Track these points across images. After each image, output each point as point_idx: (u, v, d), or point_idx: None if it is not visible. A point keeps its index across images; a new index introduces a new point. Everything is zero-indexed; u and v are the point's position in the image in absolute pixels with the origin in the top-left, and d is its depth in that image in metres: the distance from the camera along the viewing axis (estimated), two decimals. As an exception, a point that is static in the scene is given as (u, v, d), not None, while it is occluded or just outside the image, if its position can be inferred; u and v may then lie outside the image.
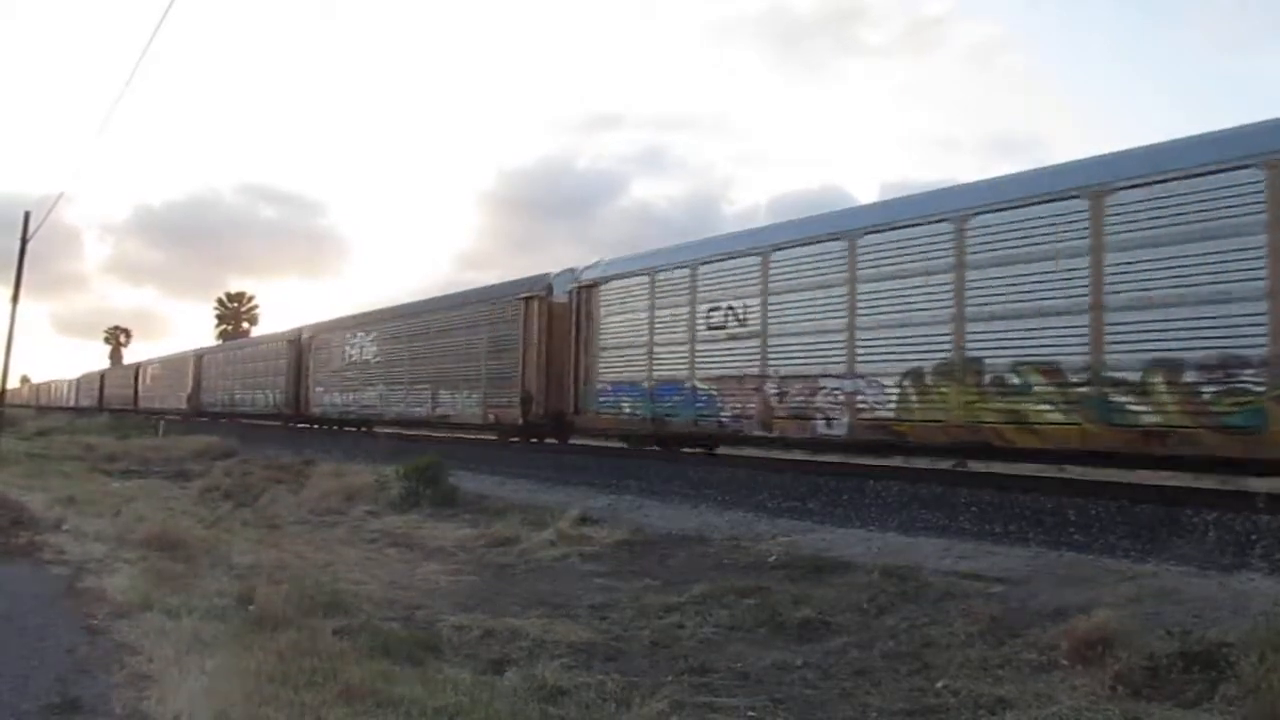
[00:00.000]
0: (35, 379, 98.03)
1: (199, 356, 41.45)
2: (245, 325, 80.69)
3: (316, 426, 29.35)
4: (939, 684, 4.81)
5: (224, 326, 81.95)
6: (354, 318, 27.29)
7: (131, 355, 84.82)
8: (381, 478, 13.64)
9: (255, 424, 32.94)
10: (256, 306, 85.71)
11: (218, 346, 41.08)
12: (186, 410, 40.86)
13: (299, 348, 29.74)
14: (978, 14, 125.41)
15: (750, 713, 4.56)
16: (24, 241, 24.00)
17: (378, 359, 24.31)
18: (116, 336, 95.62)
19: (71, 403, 69.79)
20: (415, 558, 9.22)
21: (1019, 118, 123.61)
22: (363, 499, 13.05)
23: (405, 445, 20.31)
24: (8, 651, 5.17)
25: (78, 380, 72.73)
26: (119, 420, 42.63)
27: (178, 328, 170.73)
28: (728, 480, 12.43)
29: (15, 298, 24.31)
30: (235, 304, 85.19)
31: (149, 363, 52.14)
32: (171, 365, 46.44)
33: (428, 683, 4.65)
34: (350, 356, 25.83)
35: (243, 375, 34.97)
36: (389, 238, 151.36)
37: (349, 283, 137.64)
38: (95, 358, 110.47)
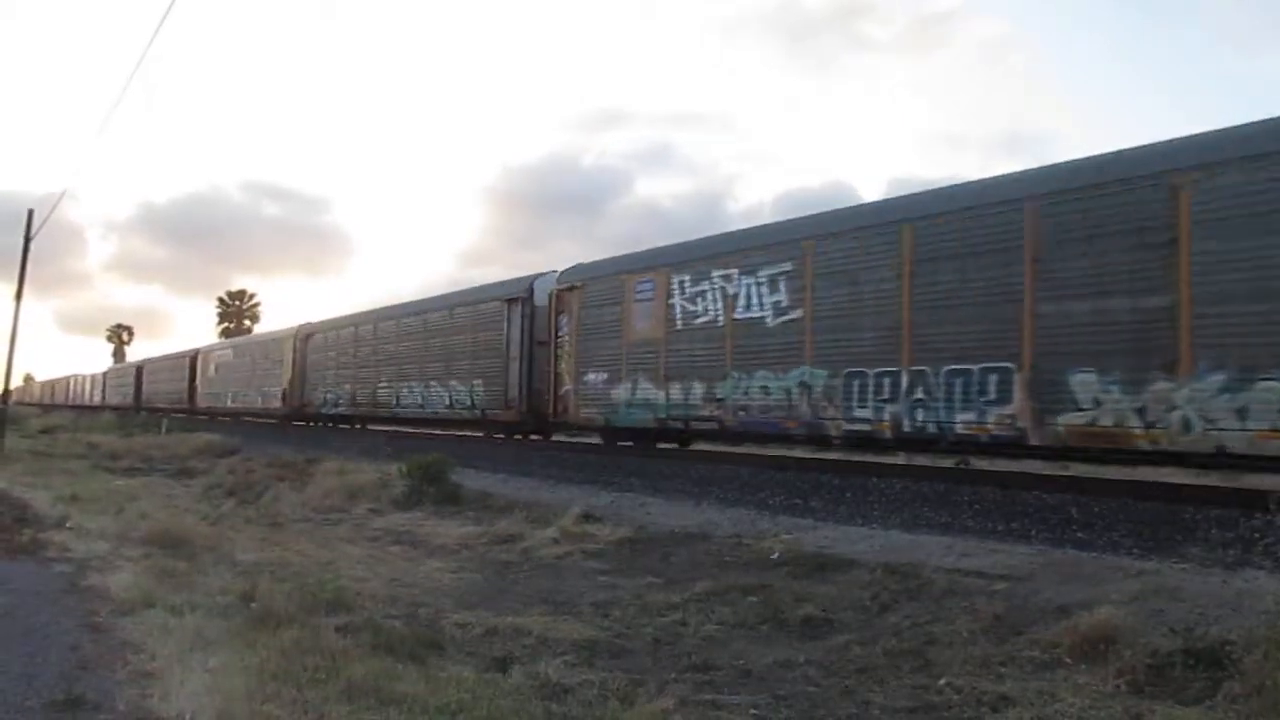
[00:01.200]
0: (39, 377, 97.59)
1: (304, 335, 29.10)
2: (247, 323, 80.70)
3: (570, 441, 18.34)
4: (941, 681, 4.81)
5: (225, 325, 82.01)
6: (706, 243, 14.93)
7: (134, 353, 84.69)
8: (385, 475, 13.66)
9: (442, 435, 21.10)
10: (258, 304, 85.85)
11: (341, 319, 27.49)
12: (283, 411, 29.94)
13: (530, 309, 18.24)
14: (985, 11, 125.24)
15: (753, 710, 4.56)
16: (27, 239, 24.01)
17: (795, 313, 12.38)
18: (119, 334, 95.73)
19: (96, 400, 59.90)
20: (418, 555, 9.22)
21: (1026, 115, 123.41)
22: (366, 497, 13.07)
23: (410, 444, 18.34)
24: (12, 649, 5.18)
25: (104, 374, 62.83)
26: (123, 419, 41.92)
27: (181, 326, 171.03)
28: (730, 478, 12.42)
29: (19, 295, 24.36)
30: (237, 302, 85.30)
31: (212, 349, 41.01)
32: (254, 350, 34.13)
33: (430, 680, 4.65)
34: (690, 315, 14.14)
35: (402, 359, 22.92)
36: (393, 234, 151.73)
37: (353, 280, 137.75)
38: (99, 356, 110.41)
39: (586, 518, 10.42)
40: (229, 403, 35.67)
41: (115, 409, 50.13)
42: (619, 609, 6.71)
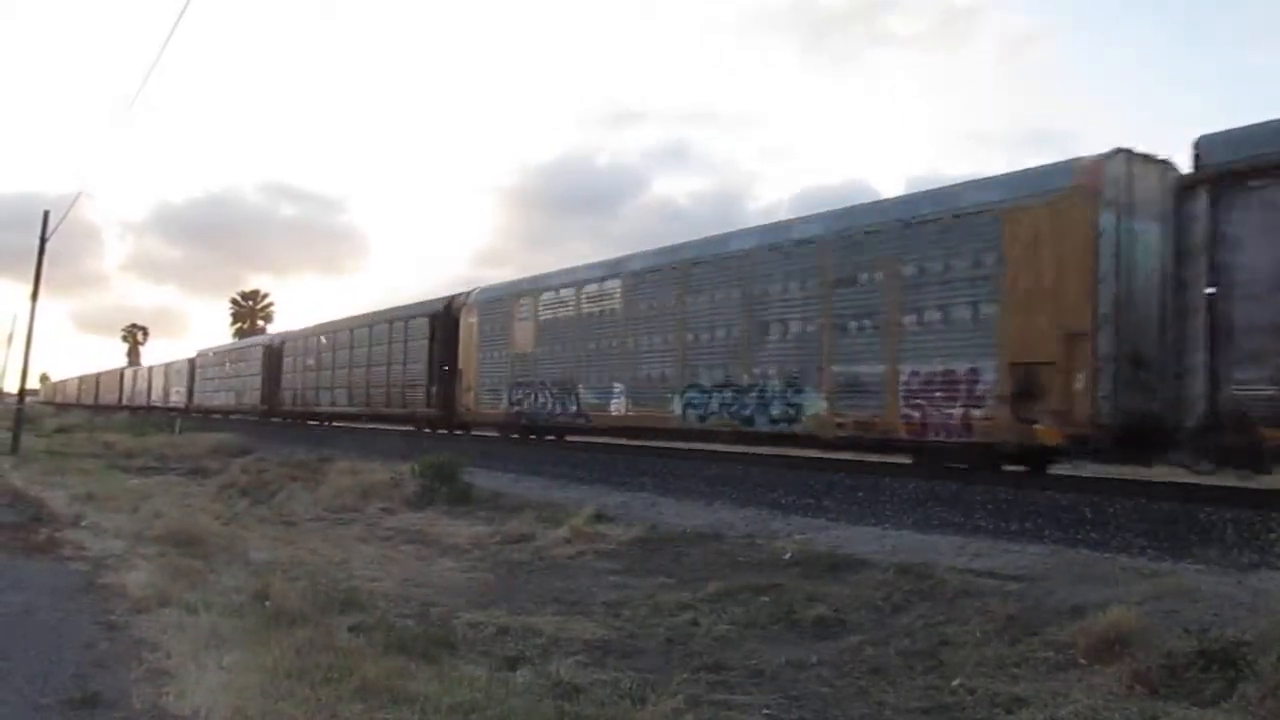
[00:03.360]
0: (54, 376, 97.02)
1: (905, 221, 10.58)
2: (260, 323, 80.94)
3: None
4: (955, 682, 4.80)
5: (239, 325, 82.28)
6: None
7: (149, 355, 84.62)
8: (397, 475, 13.70)
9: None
10: (271, 304, 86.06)
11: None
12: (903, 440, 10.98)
13: None
14: (1009, 5, 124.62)
15: (765, 710, 4.56)
16: (43, 240, 24.18)
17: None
18: (134, 334, 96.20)
19: (173, 400, 42.83)
20: (430, 555, 9.25)
21: (1050, 110, 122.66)
22: (378, 496, 13.12)
23: (419, 444, 19.25)
24: (28, 647, 5.22)
25: (192, 360, 42.08)
26: (136, 419, 41.40)
27: (195, 326, 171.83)
28: (743, 478, 12.41)
29: (34, 295, 24.53)
30: (250, 302, 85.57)
31: (503, 296, 19.00)
32: (712, 277, 13.41)
33: (443, 679, 4.66)
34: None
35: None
36: (408, 234, 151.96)
37: (366, 279, 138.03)
38: (113, 356, 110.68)
39: (598, 517, 10.43)
40: (624, 408, 15.32)
41: (211, 413, 35.78)
42: (631, 609, 6.71)
